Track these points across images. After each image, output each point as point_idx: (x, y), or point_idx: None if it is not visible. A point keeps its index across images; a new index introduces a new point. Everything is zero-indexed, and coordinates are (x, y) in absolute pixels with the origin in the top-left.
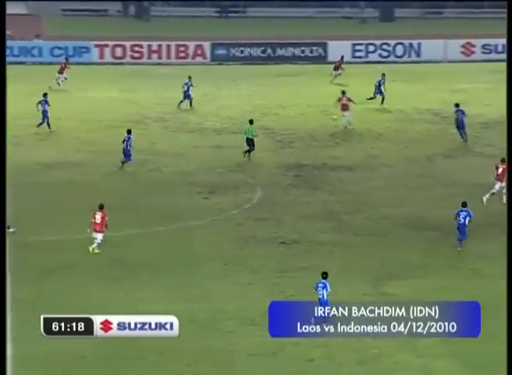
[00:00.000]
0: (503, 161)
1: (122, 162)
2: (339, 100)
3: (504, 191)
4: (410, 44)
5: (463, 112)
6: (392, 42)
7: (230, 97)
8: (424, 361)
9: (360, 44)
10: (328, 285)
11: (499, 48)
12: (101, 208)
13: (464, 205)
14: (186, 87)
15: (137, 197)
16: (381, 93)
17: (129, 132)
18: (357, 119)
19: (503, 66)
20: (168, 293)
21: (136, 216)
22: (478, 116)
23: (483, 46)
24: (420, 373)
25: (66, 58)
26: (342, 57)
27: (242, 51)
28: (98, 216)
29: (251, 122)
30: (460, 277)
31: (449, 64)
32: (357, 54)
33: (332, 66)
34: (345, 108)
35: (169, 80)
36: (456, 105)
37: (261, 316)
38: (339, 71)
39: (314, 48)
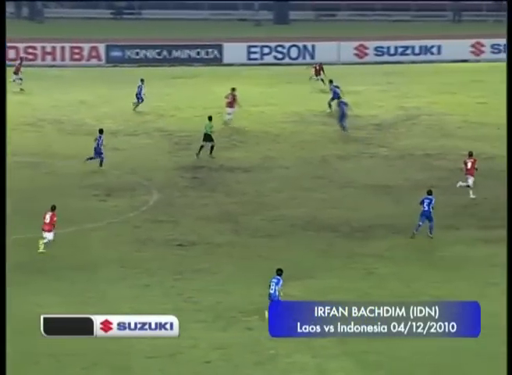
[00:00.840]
0: (470, 155)
1: (89, 159)
2: (227, 97)
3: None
4: (305, 47)
5: (345, 103)
6: (287, 44)
7: (126, 99)
8: (320, 361)
9: (256, 47)
10: (281, 281)
11: (392, 51)
12: (52, 209)
13: (430, 192)
14: (138, 89)
15: (32, 200)
16: None
17: (100, 131)
18: (254, 121)
19: (396, 67)
20: (65, 297)
21: (31, 220)
22: (372, 118)
23: (376, 48)
24: (314, 373)
25: (21, 58)
26: (320, 64)
27: (137, 53)
28: (48, 216)
29: (210, 118)
30: (354, 277)
31: (342, 66)
32: (253, 56)
33: (312, 69)
34: (230, 105)
35: (64, 82)
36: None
37: None
38: (322, 76)
39: (210, 49)
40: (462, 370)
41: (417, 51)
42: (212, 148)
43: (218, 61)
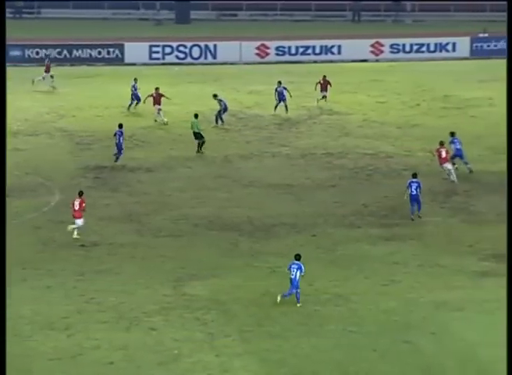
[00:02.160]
0: (441, 144)
1: (116, 157)
2: (151, 95)
3: (452, 172)
4: (206, 46)
5: (284, 88)
6: (189, 44)
7: (26, 99)
8: (223, 360)
9: (157, 46)
10: (302, 267)
11: (293, 50)
12: (80, 195)
13: (415, 175)
14: (133, 89)
15: None
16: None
17: (120, 126)
18: (156, 122)
19: (297, 67)
20: None
21: None
22: (273, 117)
23: (277, 48)
24: (218, 372)
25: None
26: (324, 77)
27: (37, 53)
28: (76, 203)
29: (196, 116)
30: (258, 276)
31: (244, 66)
32: (154, 55)
33: (316, 85)
34: (156, 102)
35: None
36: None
37: (59, 319)
38: (327, 92)
39: (111, 49)
40: (359, 366)
41: (317, 50)
42: (201, 144)
43: (119, 60)
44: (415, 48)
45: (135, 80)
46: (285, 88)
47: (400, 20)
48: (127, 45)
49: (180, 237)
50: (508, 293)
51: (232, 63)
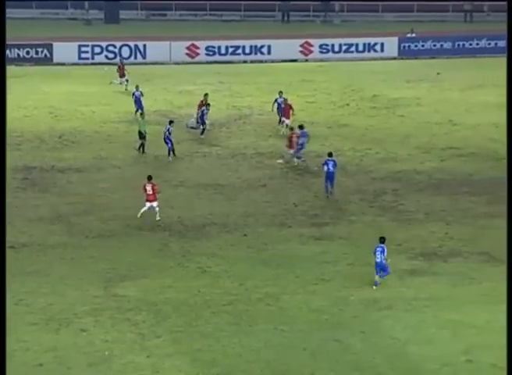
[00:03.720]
0: (291, 129)
1: (172, 151)
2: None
3: (294, 159)
4: (136, 46)
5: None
6: (118, 44)
7: None
8: (154, 361)
9: (86, 46)
10: (385, 249)
11: (222, 50)
12: (149, 179)
13: (330, 154)
14: (134, 97)
15: None
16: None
17: (170, 122)
18: (86, 121)
19: (227, 67)
20: None
21: None
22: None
23: (207, 48)
24: (149, 373)
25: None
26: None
27: None
28: (149, 188)
29: (142, 115)
30: (188, 276)
31: (174, 66)
32: (84, 55)
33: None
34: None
35: None
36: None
37: None
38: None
39: (40, 49)
40: (289, 365)
41: (247, 51)
42: (142, 144)
43: (48, 60)
44: (344, 48)
45: (136, 87)
46: (285, 99)
47: (329, 21)
48: (56, 45)
49: (110, 238)
50: (508, 293)
51: (162, 63)
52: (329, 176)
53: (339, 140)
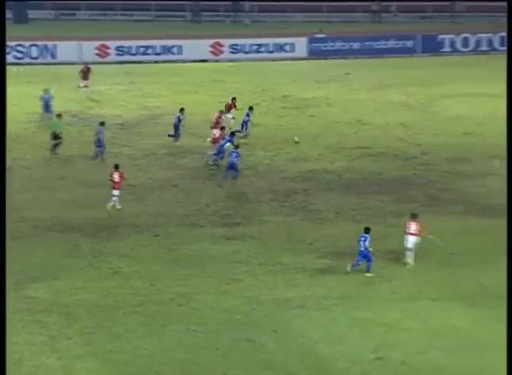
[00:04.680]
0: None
1: (100, 153)
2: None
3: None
4: (45, 46)
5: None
6: (27, 43)
7: None
8: (65, 363)
9: None
10: (368, 238)
11: (133, 50)
12: (116, 167)
13: (237, 147)
14: (43, 100)
15: None
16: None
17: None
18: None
19: (138, 67)
20: None
21: None
22: (115, 118)
23: (117, 48)
24: None
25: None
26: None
27: None
28: (116, 175)
29: (59, 116)
30: (99, 277)
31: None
32: None
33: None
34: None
35: None
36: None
37: None
38: (231, 115)
39: None
40: (201, 365)
41: (158, 51)
42: (56, 145)
43: None
44: (254, 48)
45: (46, 90)
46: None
47: (239, 21)
48: None
49: (20, 239)
50: (508, 292)
51: (72, 63)
52: (231, 167)
53: (250, 139)
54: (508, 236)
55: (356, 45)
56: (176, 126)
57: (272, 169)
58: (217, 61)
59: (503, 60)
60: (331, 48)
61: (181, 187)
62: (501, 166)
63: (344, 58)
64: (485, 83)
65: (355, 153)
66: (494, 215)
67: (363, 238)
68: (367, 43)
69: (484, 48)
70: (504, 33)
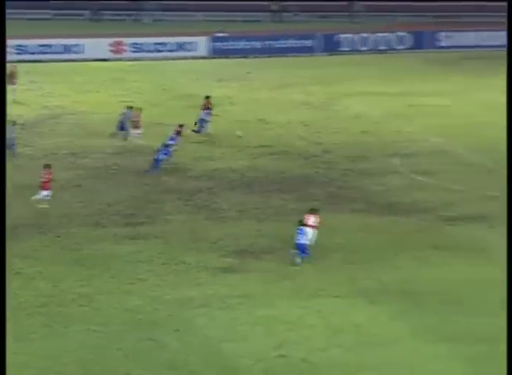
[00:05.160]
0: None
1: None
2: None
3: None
4: None
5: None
6: None
7: None
8: None
9: None
10: (304, 231)
11: (32, 49)
12: (47, 167)
13: (166, 146)
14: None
15: None
16: None
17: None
18: None
19: (38, 66)
20: None
21: None
22: (17, 118)
23: (16, 47)
24: None
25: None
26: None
27: None
28: (45, 173)
29: None
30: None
31: None
32: None
33: None
34: None
35: None
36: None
37: None
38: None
39: None
40: (104, 365)
41: (58, 49)
42: None
43: None
44: (156, 47)
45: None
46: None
47: (140, 19)
48: None
49: None
50: (508, 291)
51: None
52: (156, 161)
53: (153, 139)
54: (508, 236)
55: (257, 44)
56: (122, 124)
57: (177, 168)
58: (118, 60)
59: (400, 59)
60: (232, 47)
61: (83, 187)
62: (400, 164)
63: (246, 57)
64: (383, 82)
65: (258, 152)
66: (393, 212)
67: (299, 231)
68: (267, 42)
69: (382, 47)
70: (402, 33)
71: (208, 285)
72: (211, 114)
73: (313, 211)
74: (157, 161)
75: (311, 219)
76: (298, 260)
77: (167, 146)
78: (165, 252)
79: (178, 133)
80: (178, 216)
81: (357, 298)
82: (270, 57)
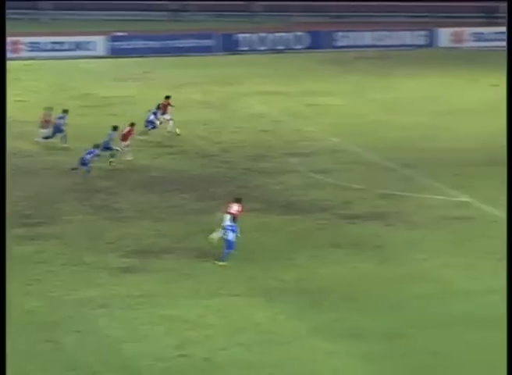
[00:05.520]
0: (132, 125)
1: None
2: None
3: (127, 148)
4: None
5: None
6: None
7: None
8: None
9: None
10: (235, 227)
11: None
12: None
13: (96, 146)
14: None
15: None
16: None
17: (65, 111)
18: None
19: None
20: None
21: None
22: None
23: None
24: None
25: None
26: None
27: None
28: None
29: None
30: None
31: None
32: None
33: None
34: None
35: None
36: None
37: None
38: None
39: None
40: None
41: None
42: None
43: None
44: (53, 46)
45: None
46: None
47: (37, 19)
48: None
49: None
50: (508, 292)
51: None
52: (82, 162)
53: (56, 138)
54: (508, 236)
55: (156, 44)
56: (57, 127)
57: (37, 168)
58: (15, 59)
59: (297, 59)
60: (131, 47)
61: None
62: (299, 163)
63: (144, 56)
64: (281, 82)
65: (158, 151)
66: (292, 211)
67: (229, 227)
68: (166, 42)
69: (280, 46)
70: (300, 33)
71: (109, 285)
72: (162, 114)
73: (237, 200)
74: (84, 161)
75: (234, 207)
76: (225, 257)
77: (98, 147)
78: (64, 253)
79: (129, 132)
80: (77, 216)
81: (257, 297)
82: (169, 56)
